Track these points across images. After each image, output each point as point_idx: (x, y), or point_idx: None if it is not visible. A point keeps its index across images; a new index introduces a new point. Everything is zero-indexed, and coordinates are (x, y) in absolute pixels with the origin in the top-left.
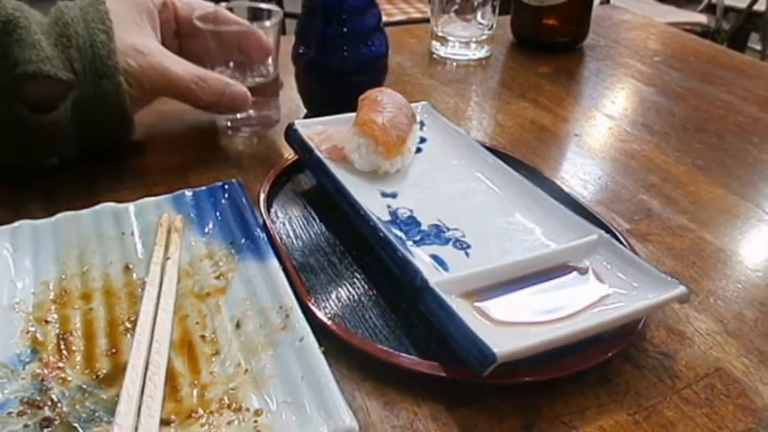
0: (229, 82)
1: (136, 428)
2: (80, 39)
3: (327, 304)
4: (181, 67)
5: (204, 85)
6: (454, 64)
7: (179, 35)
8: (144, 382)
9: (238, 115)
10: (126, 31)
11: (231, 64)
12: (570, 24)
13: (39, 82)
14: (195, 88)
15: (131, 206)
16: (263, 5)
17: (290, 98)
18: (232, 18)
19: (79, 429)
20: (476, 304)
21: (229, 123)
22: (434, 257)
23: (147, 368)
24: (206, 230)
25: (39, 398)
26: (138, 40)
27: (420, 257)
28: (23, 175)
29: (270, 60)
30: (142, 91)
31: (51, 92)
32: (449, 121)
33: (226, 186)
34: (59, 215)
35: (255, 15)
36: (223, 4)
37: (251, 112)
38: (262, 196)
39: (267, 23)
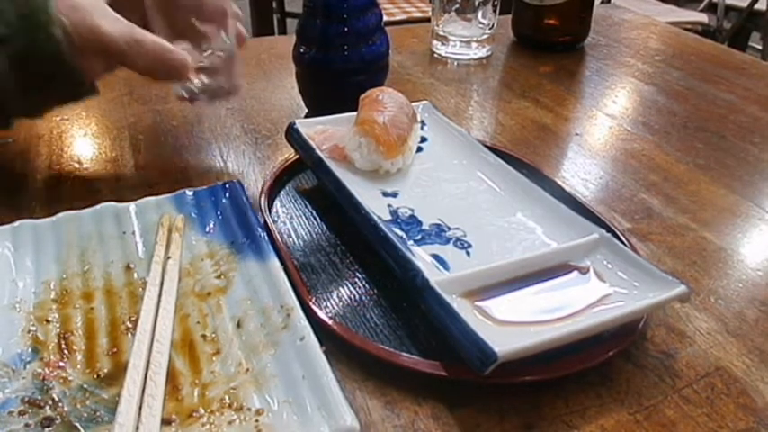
0: (169, 48)
1: (137, 428)
2: None
3: (328, 304)
4: (114, 27)
5: (139, 49)
6: (455, 63)
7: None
8: (145, 382)
9: (196, 81)
10: None
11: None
12: (571, 24)
13: None
14: (128, 51)
15: (132, 206)
16: None
17: (291, 98)
18: None
19: (80, 429)
20: (477, 303)
21: (184, 92)
22: (435, 257)
23: (147, 367)
24: (207, 230)
25: (40, 397)
26: None
27: (421, 257)
28: (24, 174)
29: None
30: (77, 50)
31: None
32: (450, 121)
33: (227, 186)
34: (60, 214)
35: None
36: None
37: (206, 80)
38: (263, 196)
39: None
